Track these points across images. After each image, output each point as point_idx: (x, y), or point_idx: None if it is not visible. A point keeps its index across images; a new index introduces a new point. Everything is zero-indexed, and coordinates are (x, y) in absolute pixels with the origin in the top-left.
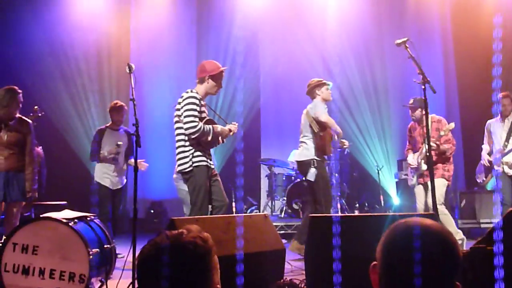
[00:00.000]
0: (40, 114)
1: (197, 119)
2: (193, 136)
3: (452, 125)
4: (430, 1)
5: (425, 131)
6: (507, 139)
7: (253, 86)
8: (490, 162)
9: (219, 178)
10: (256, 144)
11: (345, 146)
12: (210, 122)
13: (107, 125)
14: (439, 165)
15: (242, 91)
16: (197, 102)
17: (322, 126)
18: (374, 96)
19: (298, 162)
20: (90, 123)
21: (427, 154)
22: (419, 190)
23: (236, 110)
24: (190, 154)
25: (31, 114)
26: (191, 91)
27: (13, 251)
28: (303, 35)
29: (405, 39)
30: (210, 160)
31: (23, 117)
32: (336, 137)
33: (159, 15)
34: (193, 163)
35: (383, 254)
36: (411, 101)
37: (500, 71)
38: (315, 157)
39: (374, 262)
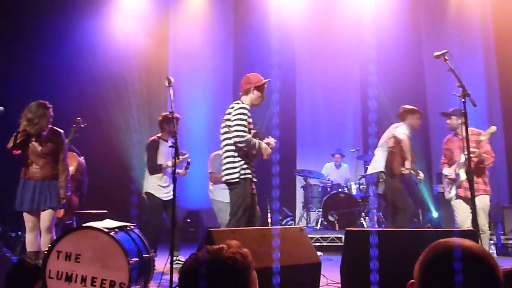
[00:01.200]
0: (82, 125)
1: (246, 129)
2: (240, 145)
3: (494, 128)
4: (471, 10)
5: (464, 143)
6: None
7: (289, 97)
8: None
9: (255, 192)
10: (292, 155)
11: (418, 177)
12: (256, 135)
13: (158, 135)
14: (479, 180)
15: (278, 103)
16: (247, 113)
17: (397, 144)
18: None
19: (368, 175)
20: (128, 134)
21: (467, 166)
22: (458, 204)
23: (272, 122)
24: (239, 166)
25: (74, 125)
26: (242, 102)
27: (57, 259)
28: (339, 46)
29: (444, 51)
30: (254, 173)
31: (55, 128)
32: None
33: (197, 28)
34: (241, 175)
35: (421, 273)
36: (450, 110)
37: None
38: (383, 170)
39: (412, 280)
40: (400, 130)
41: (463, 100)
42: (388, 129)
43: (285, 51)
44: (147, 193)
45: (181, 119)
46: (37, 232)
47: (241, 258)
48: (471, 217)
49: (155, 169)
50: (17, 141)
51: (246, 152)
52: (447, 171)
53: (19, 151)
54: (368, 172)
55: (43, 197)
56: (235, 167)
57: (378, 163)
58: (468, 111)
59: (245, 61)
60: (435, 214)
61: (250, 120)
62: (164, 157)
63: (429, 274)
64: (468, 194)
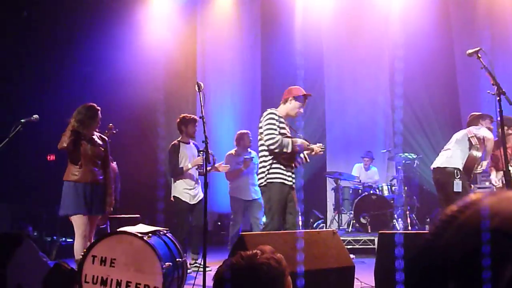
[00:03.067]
0: (114, 131)
1: (276, 132)
2: (272, 148)
3: None
4: (503, 5)
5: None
6: None
7: (318, 99)
8: None
9: (294, 199)
10: (322, 157)
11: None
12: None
13: (179, 139)
14: None
15: (308, 105)
16: (275, 117)
17: (481, 144)
18: (444, 108)
19: (439, 168)
20: (157, 140)
21: (506, 168)
22: None
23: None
24: (266, 170)
25: (106, 131)
26: (271, 109)
27: (92, 263)
28: (368, 46)
29: (477, 48)
30: (291, 178)
31: (100, 133)
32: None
33: (224, 31)
34: (268, 179)
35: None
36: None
37: None
38: (459, 167)
39: None
40: (485, 131)
41: (498, 98)
42: (463, 131)
43: (313, 52)
44: (175, 197)
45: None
46: (89, 238)
47: (275, 264)
48: None
49: (177, 172)
50: (69, 140)
51: (278, 156)
52: (493, 178)
53: (54, 156)
54: (438, 165)
55: (95, 201)
56: (263, 172)
57: (454, 159)
58: (503, 110)
59: (273, 64)
60: None
61: (283, 125)
62: (189, 159)
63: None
64: None
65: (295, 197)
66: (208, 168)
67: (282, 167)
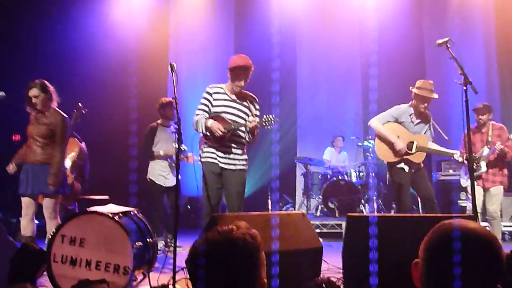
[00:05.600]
0: (84, 112)
1: (200, 112)
2: (194, 128)
3: None
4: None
5: (485, 136)
6: None
7: (290, 86)
8: None
9: (232, 181)
10: (292, 143)
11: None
12: (218, 118)
13: (158, 122)
14: (499, 172)
15: (279, 91)
16: (206, 95)
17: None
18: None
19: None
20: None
21: (468, 154)
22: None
23: (271, 110)
24: (201, 150)
25: (75, 110)
26: (212, 85)
27: (61, 243)
28: (340, 34)
29: (446, 39)
30: (224, 158)
31: (58, 110)
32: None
33: (198, 14)
34: (201, 157)
35: (426, 253)
36: (481, 105)
37: None
38: None
39: (417, 260)
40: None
41: (464, 88)
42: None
43: (286, 37)
44: (150, 179)
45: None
46: (31, 217)
47: (251, 239)
48: (481, 205)
49: (147, 155)
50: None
51: (205, 136)
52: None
53: (19, 136)
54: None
55: (37, 181)
56: (200, 153)
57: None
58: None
59: (246, 48)
60: None
61: (221, 102)
62: (166, 143)
63: (434, 253)
64: (484, 184)
65: (233, 179)
66: (180, 156)
67: (213, 147)
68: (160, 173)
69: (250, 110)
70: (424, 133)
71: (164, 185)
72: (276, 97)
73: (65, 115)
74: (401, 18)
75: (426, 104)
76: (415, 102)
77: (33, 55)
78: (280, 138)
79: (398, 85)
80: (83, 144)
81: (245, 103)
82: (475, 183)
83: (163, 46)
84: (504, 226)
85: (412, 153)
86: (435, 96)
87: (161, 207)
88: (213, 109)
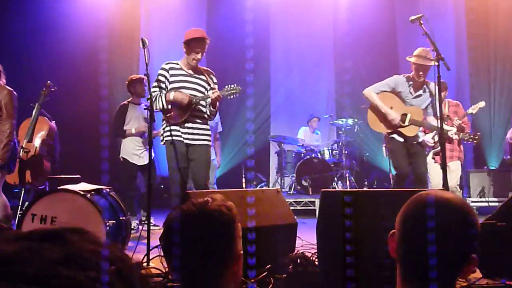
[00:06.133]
0: (53, 89)
1: (155, 89)
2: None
3: (483, 103)
4: None
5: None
6: None
7: (263, 64)
8: None
9: (198, 157)
10: (266, 121)
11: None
12: (178, 91)
13: (129, 100)
14: (456, 147)
15: (253, 70)
16: (161, 71)
17: None
18: (384, 74)
19: None
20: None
21: (440, 130)
22: (434, 168)
23: (245, 89)
24: (162, 129)
25: (44, 88)
26: (168, 61)
27: (32, 222)
28: (313, 12)
29: (419, 15)
30: (188, 134)
31: (5, 86)
32: None
33: None
34: (163, 138)
35: (402, 223)
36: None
37: None
38: None
39: (393, 231)
40: None
41: (437, 64)
42: None
43: (259, 18)
44: (123, 158)
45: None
46: None
47: (226, 211)
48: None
49: (117, 134)
50: None
51: (167, 111)
52: (427, 138)
53: None
54: None
55: None
56: (161, 133)
57: None
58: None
59: (219, 25)
60: None
61: (178, 78)
62: (137, 120)
63: (410, 223)
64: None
65: (199, 155)
66: (154, 132)
67: (174, 125)
68: (133, 152)
69: (209, 84)
70: (426, 108)
71: (137, 164)
72: (250, 76)
73: (10, 88)
74: None
75: (421, 73)
76: (414, 72)
77: None
78: (254, 117)
79: (371, 63)
80: (53, 123)
81: (202, 76)
82: (433, 160)
83: (134, 22)
84: (472, 201)
85: (405, 126)
86: (431, 63)
87: (134, 186)
88: (170, 85)
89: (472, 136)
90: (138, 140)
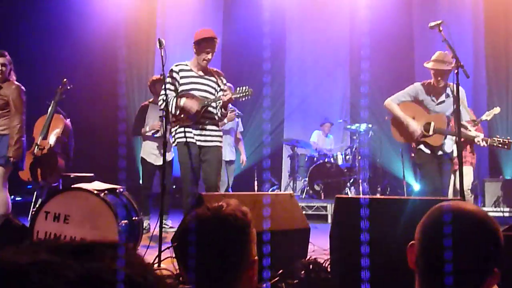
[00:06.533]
0: (69, 87)
1: (167, 92)
2: (162, 108)
3: (498, 109)
4: None
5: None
6: None
7: (278, 67)
8: None
9: (210, 158)
10: (280, 124)
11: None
12: (188, 96)
13: (150, 100)
14: (468, 153)
15: (269, 73)
16: (171, 73)
17: None
18: (400, 80)
19: None
20: (115, 96)
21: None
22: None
23: (261, 89)
24: (174, 131)
25: (60, 86)
26: (177, 63)
27: (45, 220)
28: (330, 16)
29: (439, 21)
30: (200, 136)
31: (14, 82)
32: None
33: None
34: (175, 139)
35: (422, 235)
36: None
37: None
38: None
39: (412, 242)
40: None
41: (456, 71)
42: None
43: (275, 20)
44: (142, 158)
45: None
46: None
47: (241, 215)
48: (452, 189)
49: (135, 133)
50: None
51: (177, 116)
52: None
53: None
54: None
55: None
56: (173, 135)
57: None
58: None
59: (235, 27)
60: (416, 186)
61: (187, 80)
62: (157, 120)
63: (430, 235)
64: (454, 166)
65: (211, 156)
66: (153, 125)
67: (186, 126)
68: (151, 152)
69: (219, 85)
70: (451, 114)
71: (155, 164)
72: (266, 76)
73: (18, 83)
74: (390, 1)
75: (439, 78)
76: (433, 78)
77: (17, 30)
78: (269, 119)
79: (387, 68)
80: (68, 121)
81: (212, 78)
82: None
83: (150, 21)
84: (487, 211)
85: (430, 135)
86: (448, 67)
87: (150, 186)
88: (181, 87)
89: (502, 140)
90: (158, 141)
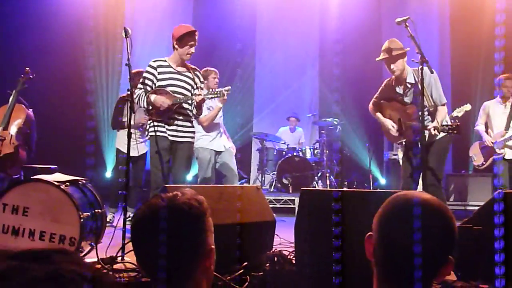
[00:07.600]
0: (31, 76)
1: (140, 86)
2: (136, 103)
3: (469, 106)
4: None
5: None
6: (508, 123)
7: (248, 61)
8: (492, 143)
9: (180, 154)
10: (249, 118)
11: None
12: (162, 92)
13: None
14: None
15: (239, 67)
16: (149, 69)
17: None
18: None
19: None
20: (83, 87)
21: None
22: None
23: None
24: (148, 124)
25: (22, 75)
26: (155, 59)
27: (3, 212)
28: (300, 11)
29: (405, 17)
30: (172, 131)
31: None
32: None
33: None
34: (148, 132)
35: (380, 225)
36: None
37: (503, 54)
38: None
39: (370, 233)
40: None
41: (421, 66)
42: None
43: (246, 14)
44: (116, 149)
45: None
46: None
47: (196, 204)
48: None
49: (113, 125)
50: None
51: (149, 111)
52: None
53: None
54: None
55: None
56: (146, 129)
57: None
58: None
59: (205, 21)
60: (382, 180)
61: (165, 76)
62: (138, 112)
63: (387, 224)
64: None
65: (181, 152)
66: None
67: (160, 121)
68: (126, 142)
69: (195, 83)
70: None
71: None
72: (235, 70)
73: None
74: None
75: (392, 67)
76: (388, 69)
77: None
78: (237, 114)
79: (356, 63)
80: (30, 111)
81: (189, 74)
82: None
83: (119, 10)
84: (450, 205)
85: (404, 131)
86: (393, 53)
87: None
88: (158, 83)
89: (451, 125)
90: (134, 132)
